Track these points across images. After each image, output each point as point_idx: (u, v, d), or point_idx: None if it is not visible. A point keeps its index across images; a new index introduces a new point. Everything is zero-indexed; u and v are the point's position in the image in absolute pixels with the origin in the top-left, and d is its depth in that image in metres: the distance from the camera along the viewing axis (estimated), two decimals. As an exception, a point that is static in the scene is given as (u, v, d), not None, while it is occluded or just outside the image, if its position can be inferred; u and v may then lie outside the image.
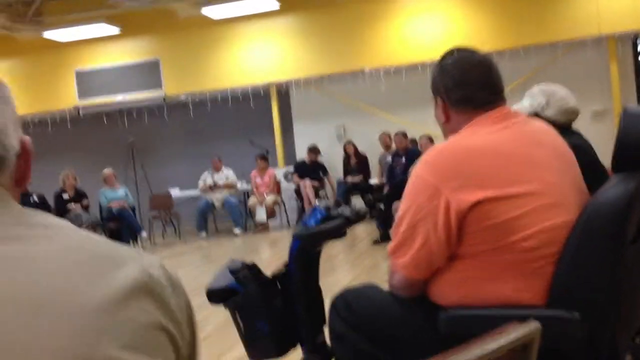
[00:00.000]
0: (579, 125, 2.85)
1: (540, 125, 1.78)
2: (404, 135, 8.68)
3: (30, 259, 0.69)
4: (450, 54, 1.76)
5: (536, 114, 2.68)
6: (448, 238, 1.56)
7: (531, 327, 0.96)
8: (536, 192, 1.56)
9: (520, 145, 1.62)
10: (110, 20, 9.82)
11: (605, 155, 2.12)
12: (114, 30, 10.02)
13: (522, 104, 2.77)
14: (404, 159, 8.29)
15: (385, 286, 1.81)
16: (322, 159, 9.91)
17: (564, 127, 2.69)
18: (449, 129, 1.75)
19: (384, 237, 6.81)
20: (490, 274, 1.57)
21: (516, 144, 1.62)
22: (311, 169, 9.74)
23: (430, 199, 1.56)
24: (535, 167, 1.60)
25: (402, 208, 1.65)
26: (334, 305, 1.87)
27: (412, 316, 1.70)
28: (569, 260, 1.54)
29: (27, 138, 0.80)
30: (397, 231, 1.65)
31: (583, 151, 2.56)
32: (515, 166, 1.58)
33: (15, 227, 0.73)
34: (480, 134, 1.63)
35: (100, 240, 0.76)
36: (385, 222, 6.87)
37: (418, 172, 1.63)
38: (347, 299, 1.84)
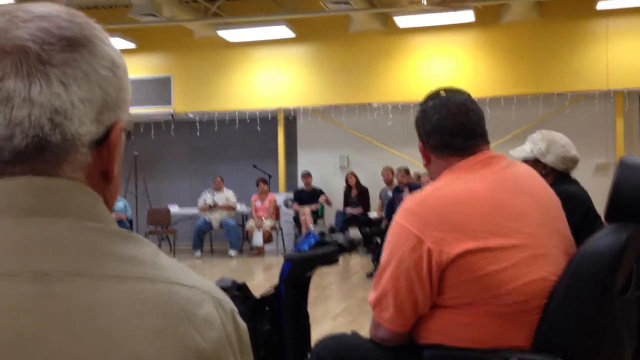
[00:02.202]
0: (581, 176, 2.87)
1: (523, 170, 1.75)
2: (407, 171, 8.71)
3: (97, 308, 0.56)
4: (431, 96, 1.74)
5: (536, 159, 2.71)
6: (431, 289, 1.55)
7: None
8: (518, 245, 1.55)
9: (502, 195, 1.60)
10: (127, 34, 9.94)
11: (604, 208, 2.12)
12: (129, 45, 10.11)
13: (524, 149, 2.80)
14: (404, 195, 8.30)
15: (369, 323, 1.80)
16: (323, 187, 9.93)
17: (563, 174, 2.72)
18: (430, 171, 1.76)
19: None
20: (472, 322, 1.55)
21: (498, 194, 1.59)
22: (310, 196, 9.77)
23: (412, 250, 1.54)
24: (517, 218, 1.58)
25: (385, 258, 1.62)
26: (317, 354, 1.82)
27: (396, 358, 1.69)
28: (555, 307, 1.54)
29: (119, 124, 0.65)
30: (380, 282, 1.63)
31: (579, 199, 2.58)
32: (497, 217, 1.56)
33: (92, 258, 0.58)
34: (460, 182, 1.61)
35: (181, 291, 0.63)
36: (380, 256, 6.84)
37: (400, 220, 1.60)
38: (330, 348, 1.80)
